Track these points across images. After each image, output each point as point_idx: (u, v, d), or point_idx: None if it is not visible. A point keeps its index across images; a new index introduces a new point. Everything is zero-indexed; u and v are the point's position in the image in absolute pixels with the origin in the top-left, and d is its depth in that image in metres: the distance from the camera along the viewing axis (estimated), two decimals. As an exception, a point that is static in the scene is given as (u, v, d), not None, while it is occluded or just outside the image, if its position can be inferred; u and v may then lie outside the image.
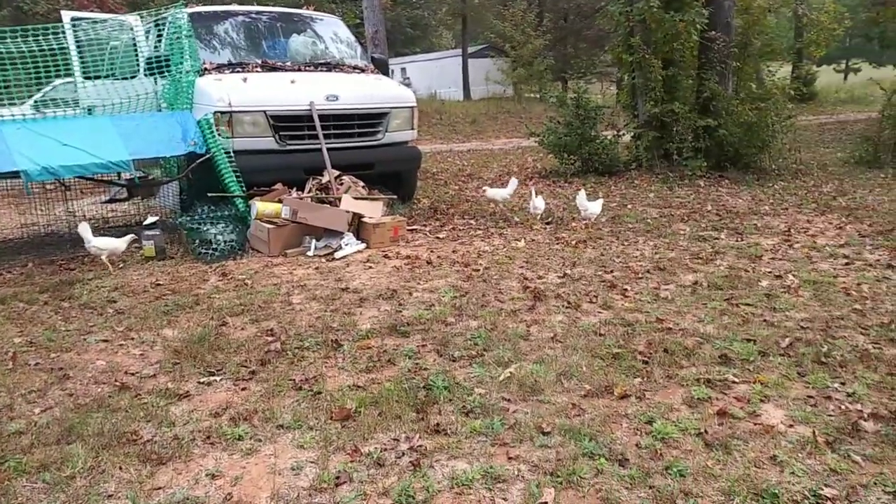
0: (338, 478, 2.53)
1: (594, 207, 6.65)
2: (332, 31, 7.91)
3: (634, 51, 9.55)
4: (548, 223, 6.87)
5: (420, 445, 2.73)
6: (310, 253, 5.58)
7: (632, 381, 3.28)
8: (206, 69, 6.58)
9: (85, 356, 3.71)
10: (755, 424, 2.88)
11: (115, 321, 4.26)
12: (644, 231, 6.47)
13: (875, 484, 2.47)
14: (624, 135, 10.48)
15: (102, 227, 6.99)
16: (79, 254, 5.93)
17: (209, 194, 5.95)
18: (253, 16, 7.47)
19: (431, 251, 5.74)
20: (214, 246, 5.56)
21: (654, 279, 4.89)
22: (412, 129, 7.26)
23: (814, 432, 2.77)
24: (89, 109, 7.08)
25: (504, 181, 8.97)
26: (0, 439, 2.83)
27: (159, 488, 2.51)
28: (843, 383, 3.24)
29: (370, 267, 5.27)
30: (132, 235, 5.54)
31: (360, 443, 2.77)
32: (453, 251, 5.74)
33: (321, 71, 7.07)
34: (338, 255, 5.48)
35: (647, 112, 9.74)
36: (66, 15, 6.98)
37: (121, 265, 5.55)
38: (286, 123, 6.38)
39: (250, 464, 2.65)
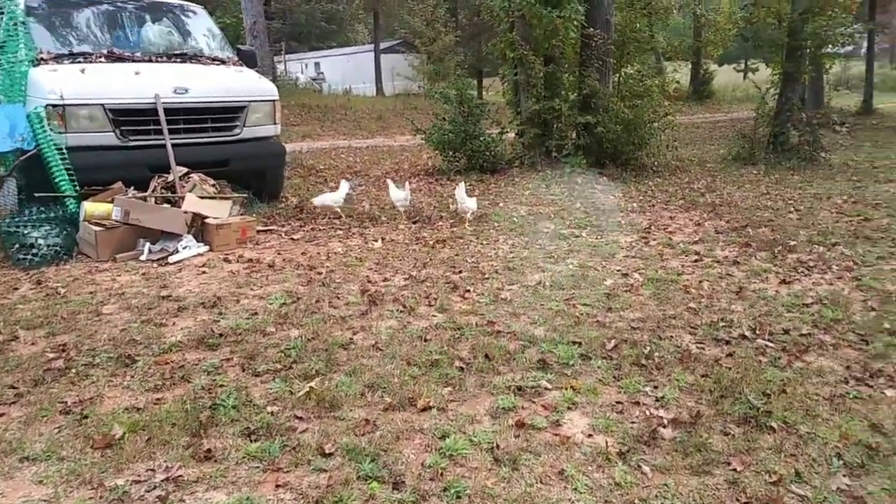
0: (66, 520, 2.22)
1: (471, 203, 6.54)
2: (192, 21, 7.43)
3: (516, 47, 9.49)
4: (414, 222, 6.68)
5: (179, 476, 2.45)
6: (143, 257, 5.15)
7: (441, 391, 3.10)
8: (42, 59, 6.01)
9: None
10: (554, 435, 2.75)
11: None
12: (507, 230, 6.37)
13: (655, 497, 2.37)
14: (507, 132, 10.44)
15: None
16: None
17: (36, 194, 5.43)
18: (103, 3, 6.90)
19: (279, 253, 5.44)
20: (35, 251, 5.05)
21: (500, 279, 4.77)
22: (274, 123, 6.90)
23: (606, 443, 2.66)
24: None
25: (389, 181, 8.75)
26: None
27: None
28: (655, 387, 3.17)
29: (204, 272, 4.91)
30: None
31: (111, 475, 2.46)
32: (302, 253, 5.45)
33: (175, 62, 6.61)
34: (172, 259, 5.09)
35: (528, 109, 9.72)
36: None
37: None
38: (128, 118, 5.89)
39: (-29, 509, 2.31)
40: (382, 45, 40.82)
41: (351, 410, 2.93)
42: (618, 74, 10.16)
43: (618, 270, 5.01)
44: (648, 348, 3.56)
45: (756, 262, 5.18)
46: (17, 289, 4.63)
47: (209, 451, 2.60)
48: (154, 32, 6.75)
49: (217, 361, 3.40)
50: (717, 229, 6.30)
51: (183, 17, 7.44)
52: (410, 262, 5.21)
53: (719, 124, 19.30)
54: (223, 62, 7.02)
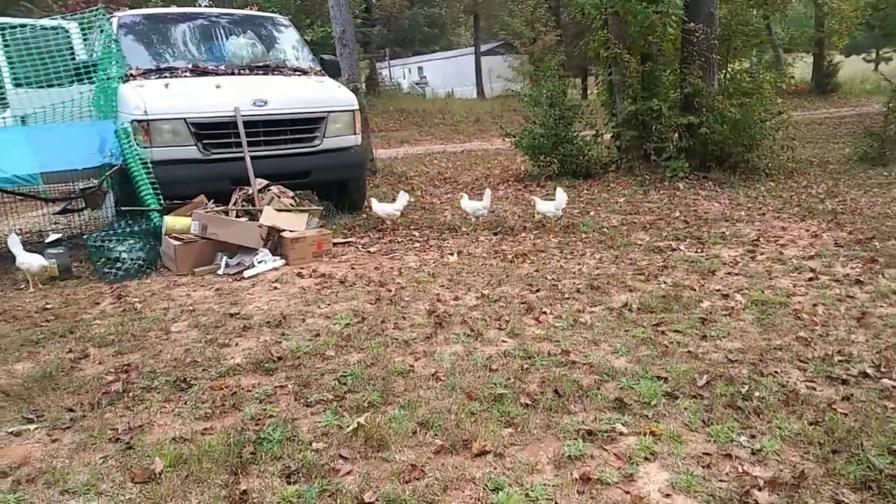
0: (89, 566, 2.10)
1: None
2: (276, 32, 7.50)
3: (609, 45, 8.97)
4: (495, 233, 6.38)
5: (209, 521, 2.29)
6: (220, 271, 5.17)
7: (500, 432, 2.79)
8: (131, 75, 6.21)
9: None
10: (625, 493, 2.38)
11: (-28, 353, 3.90)
12: (596, 241, 5.94)
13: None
14: (602, 134, 9.91)
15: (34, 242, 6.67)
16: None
17: (123, 208, 5.58)
18: (190, 18, 7.08)
19: (352, 268, 5.29)
20: (119, 265, 5.17)
21: (582, 300, 4.38)
22: (354, 133, 6.81)
23: (686, 509, 2.27)
24: (22, 119, 6.77)
25: (479, 190, 8.52)
26: None
27: None
28: (752, 436, 2.72)
29: (275, 288, 4.84)
30: (38, 255, 5.17)
31: (142, 516, 2.34)
32: (376, 268, 5.28)
33: (257, 74, 6.66)
34: (247, 273, 5.06)
35: (624, 110, 9.16)
36: (-7, 21, 6.68)
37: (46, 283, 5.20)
38: (210, 131, 5.97)
39: (4, 545, 2.24)
40: (483, 48, 40.79)
41: (399, 451, 2.68)
42: (724, 71, 9.39)
43: (717, 290, 4.49)
44: (747, 386, 3.09)
45: (884, 281, 4.51)
46: (98, 303, 4.74)
47: (244, 492, 2.43)
48: (238, 45, 6.84)
49: (270, 388, 3.25)
50: (837, 242, 5.59)
51: (267, 30, 7.53)
52: (485, 278, 4.92)
53: (845, 120, 17.66)
54: (305, 73, 7.01)
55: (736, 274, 4.87)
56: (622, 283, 4.71)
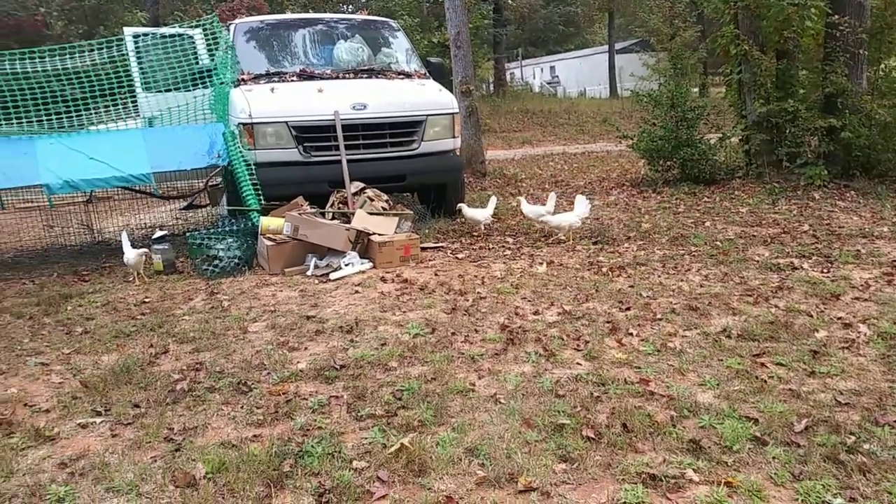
0: (111, 571, 2.10)
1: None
2: (383, 36, 7.54)
3: (738, 42, 8.24)
4: (594, 242, 6.01)
5: (232, 538, 2.23)
6: (308, 272, 5.22)
7: (553, 466, 2.54)
8: (242, 80, 6.47)
9: (6, 381, 3.58)
10: (683, 556, 2.07)
11: (72, 341, 4.15)
12: (707, 256, 5.43)
13: None
14: (729, 138, 9.14)
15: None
16: (105, 265, 6.04)
17: (227, 208, 5.80)
18: (304, 24, 7.27)
19: (436, 274, 5.16)
20: (217, 262, 5.37)
21: (675, 322, 3.97)
22: (453, 136, 6.68)
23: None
24: (150, 121, 7.27)
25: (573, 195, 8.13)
26: None
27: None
28: (852, 500, 2.29)
29: (357, 292, 4.80)
30: (144, 250, 5.49)
31: (173, 524, 2.32)
32: (460, 275, 5.11)
33: (360, 78, 6.71)
34: (333, 275, 5.07)
35: (755, 112, 8.38)
36: (128, 31, 7.21)
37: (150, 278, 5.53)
38: (310, 134, 6.08)
39: (41, 538, 2.30)
40: (617, 46, 39.61)
41: (439, 479, 2.50)
42: (874, 69, 8.35)
43: (838, 318, 3.93)
44: (855, 437, 2.63)
45: None
46: (191, 299, 4.93)
47: (273, 510, 2.36)
48: (344, 49, 6.93)
49: (325, 398, 3.18)
50: None
51: (377, 33, 7.58)
52: (572, 292, 4.61)
53: None
54: (409, 76, 6.99)
55: (865, 300, 4.24)
56: (726, 304, 4.24)
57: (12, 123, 6.35)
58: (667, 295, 4.49)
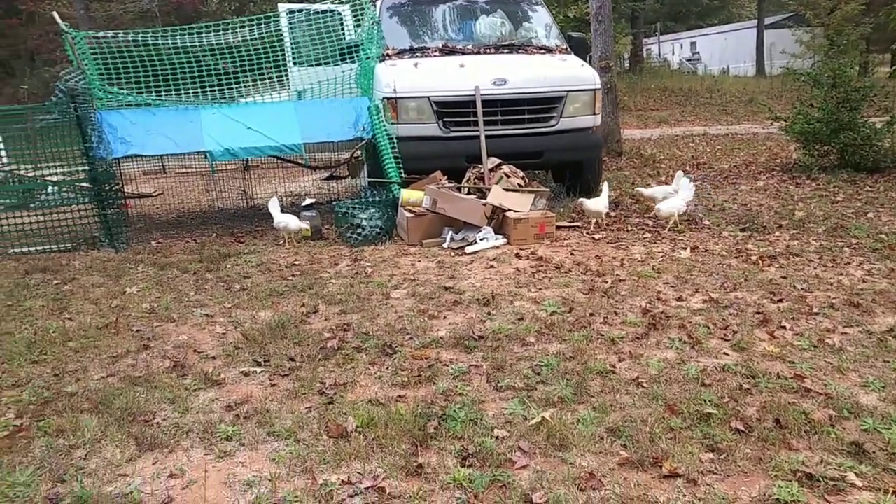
0: (275, 505, 2.30)
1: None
2: (525, 10, 7.46)
3: (919, 15, 7.43)
4: (742, 229, 5.70)
5: (382, 487, 2.36)
6: (445, 245, 5.34)
7: (700, 455, 2.48)
8: (387, 55, 6.66)
9: (178, 329, 3.97)
10: (843, 563, 1.96)
11: (231, 297, 4.51)
12: (870, 249, 5.00)
13: None
14: (900, 122, 8.29)
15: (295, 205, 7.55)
16: (258, 228, 6.48)
17: (368, 179, 6.03)
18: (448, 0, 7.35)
19: (572, 254, 5.11)
20: (360, 230, 5.62)
21: (834, 318, 3.71)
22: (594, 114, 6.53)
23: None
24: (299, 94, 7.67)
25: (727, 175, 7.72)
26: (54, 399, 3.12)
27: (125, 475, 2.52)
28: None
29: (492, 266, 4.85)
30: (295, 218, 5.82)
31: (329, 469, 2.49)
32: (597, 256, 5.03)
33: (501, 53, 6.70)
34: (469, 249, 5.16)
35: (933, 94, 7.56)
36: (283, 7, 7.61)
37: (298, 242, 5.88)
38: (450, 109, 6.17)
39: (215, 469, 2.54)
40: (767, 20, 36.89)
41: (581, 456, 2.51)
42: None
43: None
44: None
45: None
46: (337, 264, 5.19)
47: (420, 466, 2.47)
48: (486, 24, 6.95)
49: (466, 366, 3.27)
50: None
51: (519, 8, 7.52)
52: (719, 280, 4.41)
53: None
54: (549, 51, 6.89)
55: None
56: (893, 302, 3.90)
57: (180, 94, 6.93)
58: (824, 288, 4.19)
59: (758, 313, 3.82)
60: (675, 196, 5.93)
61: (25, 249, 6.04)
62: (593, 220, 5.93)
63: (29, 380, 3.33)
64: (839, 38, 10.81)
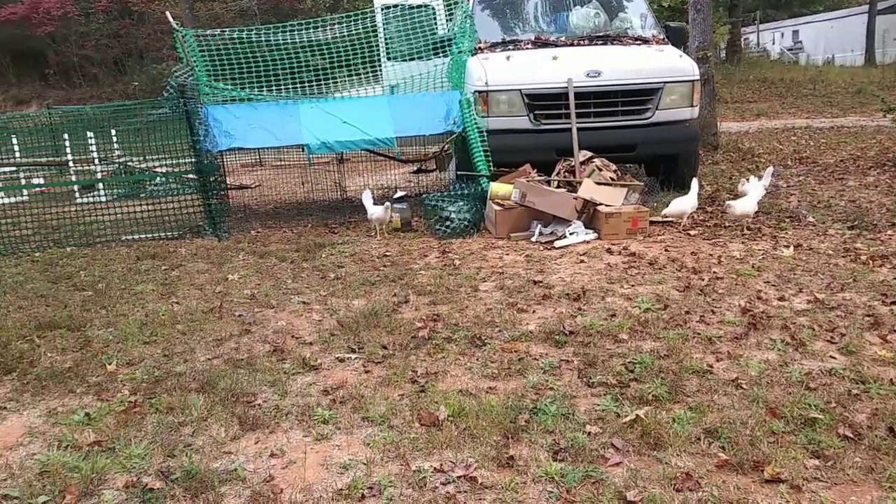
0: (370, 488, 2.37)
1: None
2: (622, 1, 7.28)
3: None
4: (850, 227, 5.37)
5: (473, 477, 2.40)
6: (533, 238, 5.32)
7: (804, 461, 2.38)
8: (479, 48, 6.68)
9: (276, 315, 4.15)
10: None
11: (326, 285, 4.67)
12: None
13: None
14: None
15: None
16: (350, 220, 6.66)
17: (458, 173, 6.08)
18: (537, -9, 7.29)
19: (666, 250, 4.97)
20: (449, 223, 5.68)
21: (956, 323, 3.46)
22: (691, 105, 6.31)
23: None
24: (392, 88, 7.82)
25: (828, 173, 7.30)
26: (164, 378, 3.33)
27: (229, 453, 2.66)
28: None
29: (582, 261, 4.79)
30: (388, 205, 5.95)
31: (421, 456, 2.55)
32: (693, 252, 4.87)
33: (595, 45, 6.58)
34: (558, 243, 5.11)
35: None
36: (378, 2, 7.76)
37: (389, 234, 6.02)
38: (542, 102, 6.12)
39: (313, 451, 2.65)
40: (880, 5, 34.39)
41: (676, 455, 2.45)
42: None
43: None
44: None
45: None
46: (426, 256, 5.27)
47: (511, 458, 2.48)
48: (580, 16, 6.84)
49: (556, 361, 3.25)
50: None
51: (614, -2, 7.37)
52: (824, 279, 4.19)
53: None
54: (646, 42, 6.71)
55: None
56: None
57: (279, 89, 7.20)
58: (944, 292, 3.91)
59: (868, 315, 3.61)
60: (752, 193, 5.57)
61: (136, 237, 6.45)
62: (685, 219, 5.67)
63: (141, 359, 3.56)
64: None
